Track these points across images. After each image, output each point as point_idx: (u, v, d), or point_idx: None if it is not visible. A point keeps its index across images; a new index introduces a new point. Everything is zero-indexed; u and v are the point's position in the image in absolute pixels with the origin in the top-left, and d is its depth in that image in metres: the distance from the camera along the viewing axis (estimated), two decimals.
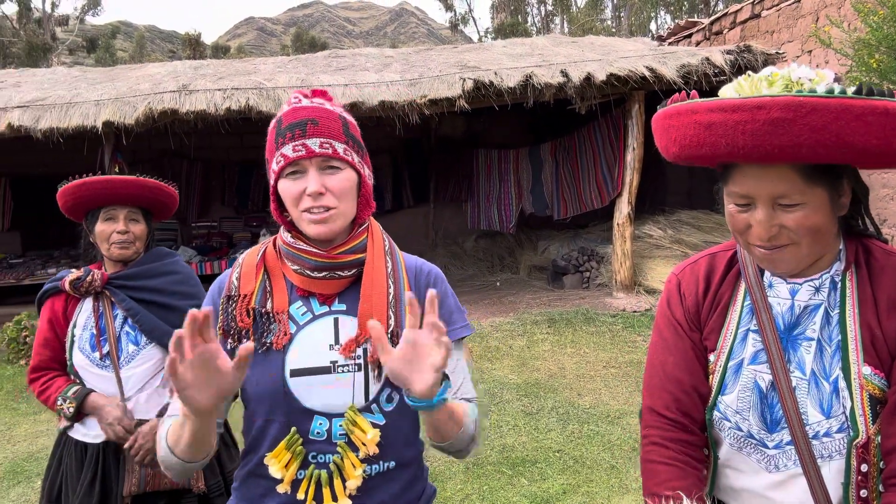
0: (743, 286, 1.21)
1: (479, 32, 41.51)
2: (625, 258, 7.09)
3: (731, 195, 1.10)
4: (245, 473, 1.31)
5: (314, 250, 1.26)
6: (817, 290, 1.14)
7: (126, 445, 2.01)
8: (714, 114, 0.98)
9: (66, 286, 2.09)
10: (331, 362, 1.25)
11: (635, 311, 6.59)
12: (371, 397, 1.25)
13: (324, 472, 1.24)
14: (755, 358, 1.16)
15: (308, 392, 1.24)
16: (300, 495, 1.23)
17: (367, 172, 1.31)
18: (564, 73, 6.76)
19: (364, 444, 1.22)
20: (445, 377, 1.15)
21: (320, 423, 1.24)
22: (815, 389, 1.11)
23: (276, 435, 1.25)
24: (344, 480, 1.23)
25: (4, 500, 3.76)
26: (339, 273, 1.27)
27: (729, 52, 6.94)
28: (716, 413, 1.19)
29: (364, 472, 1.23)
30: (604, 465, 3.73)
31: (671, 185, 9.62)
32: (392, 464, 1.28)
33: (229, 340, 1.27)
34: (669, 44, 10.10)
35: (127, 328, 2.09)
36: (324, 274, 1.27)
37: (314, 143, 1.22)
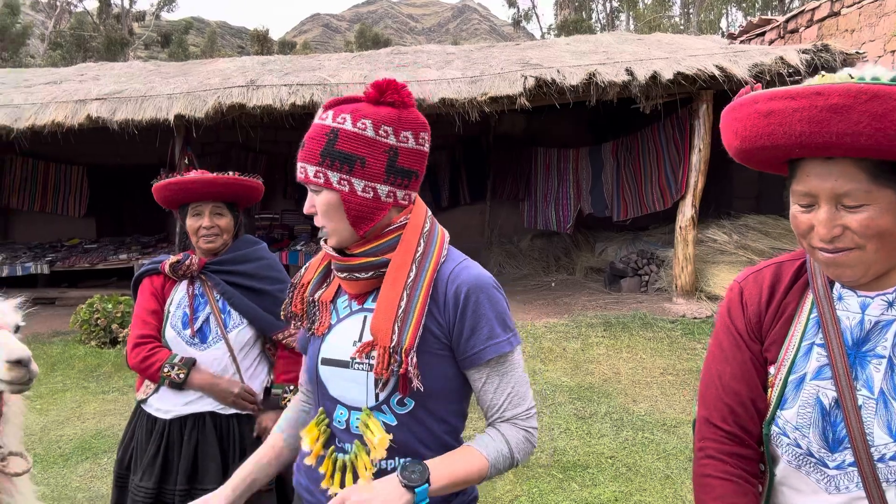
0: (810, 297, 1.15)
1: (541, 29, 41.09)
2: (686, 262, 6.89)
3: (795, 194, 1.06)
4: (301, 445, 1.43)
5: (333, 253, 1.34)
6: (890, 304, 1.07)
7: (255, 435, 2.20)
8: (773, 102, 0.98)
9: (166, 268, 2.26)
10: (350, 357, 1.31)
11: (696, 318, 6.40)
12: (381, 399, 1.29)
13: (341, 458, 1.31)
14: (819, 373, 1.10)
15: (332, 381, 1.34)
16: (321, 469, 1.33)
17: (356, 187, 1.27)
18: (629, 72, 6.61)
19: (374, 447, 1.25)
20: (420, 483, 1.19)
21: (341, 413, 1.33)
22: (884, 410, 1.04)
23: (314, 412, 1.39)
24: (356, 478, 1.27)
25: (72, 475, 3.96)
26: (356, 275, 1.31)
27: (805, 52, 6.64)
28: (774, 428, 1.14)
29: (377, 465, 1.28)
30: (658, 475, 3.64)
31: (738, 188, 9.28)
32: (406, 461, 1.28)
33: (294, 322, 1.42)
34: (741, 42, 9.75)
35: (219, 310, 2.24)
36: (345, 275, 1.33)
37: (299, 167, 1.30)
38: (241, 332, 2.24)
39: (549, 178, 9.45)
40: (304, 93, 6.72)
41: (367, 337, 1.29)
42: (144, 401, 2.26)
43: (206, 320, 2.24)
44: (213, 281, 2.25)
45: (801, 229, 1.07)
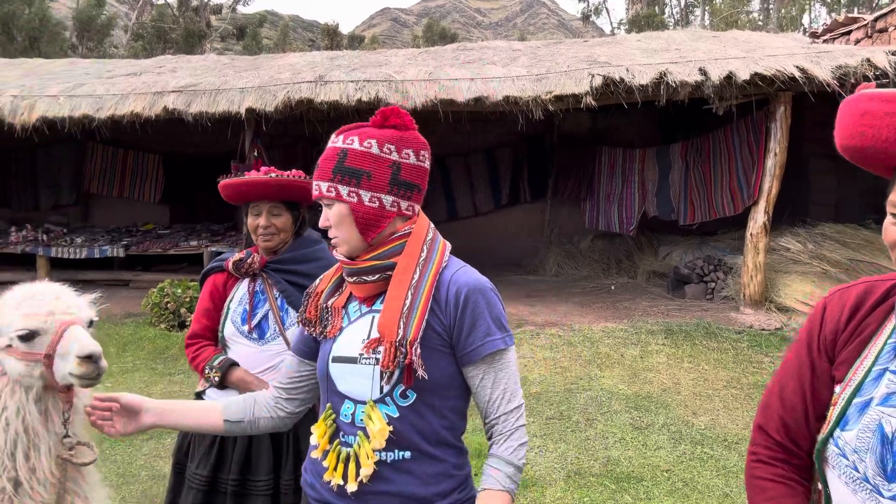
0: (893, 322, 1.08)
1: (611, 24, 40.24)
2: (756, 271, 6.61)
3: (890, 205, 1.02)
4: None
5: (343, 258, 1.48)
6: None
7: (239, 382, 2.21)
8: (871, 102, 0.97)
9: (230, 266, 2.33)
10: (358, 354, 1.43)
11: (764, 329, 6.13)
12: (385, 391, 1.40)
13: (344, 451, 1.42)
14: (886, 399, 1.05)
15: (341, 377, 1.45)
16: (325, 463, 1.44)
17: (364, 197, 1.43)
18: (703, 71, 6.38)
19: (374, 436, 1.36)
20: None
21: (348, 407, 1.44)
22: None
23: (322, 409, 1.49)
24: (358, 466, 1.38)
25: (138, 454, 4.15)
26: (364, 278, 1.45)
27: (894, 54, 6.24)
28: (833, 448, 1.10)
29: (378, 456, 1.38)
30: (716, 493, 3.51)
31: (816, 195, 8.84)
32: (407, 454, 1.40)
33: (306, 328, 1.54)
34: (824, 41, 9.25)
35: (277, 308, 2.30)
36: (354, 279, 1.47)
37: (314, 186, 1.47)
38: (292, 332, 2.27)
39: (613, 179, 9.25)
40: (370, 89, 6.80)
41: (375, 334, 1.41)
42: (202, 393, 2.35)
43: (265, 317, 2.29)
44: (273, 279, 2.30)
45: (890, 240, 1.04)
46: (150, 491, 3.65)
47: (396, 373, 1.38)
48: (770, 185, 6.59)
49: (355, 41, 39.23)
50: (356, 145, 1.43)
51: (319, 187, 1.44)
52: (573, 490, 3.55)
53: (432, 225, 1.53)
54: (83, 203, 10.62)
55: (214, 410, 1.60)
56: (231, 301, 2.33)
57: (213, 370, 2.24)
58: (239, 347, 2.29)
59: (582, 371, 5.32)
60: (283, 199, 2.29)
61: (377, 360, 1.39)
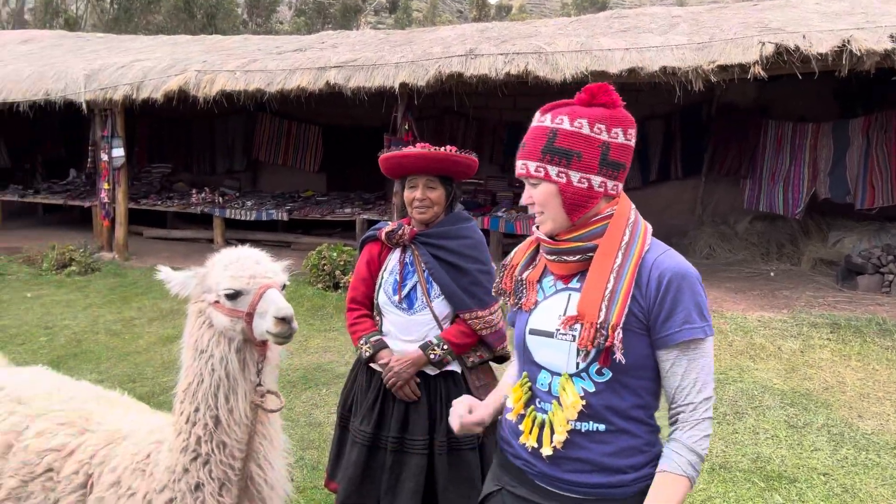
0: None
1: None
2: None
3: None
4: (504, 403, 1.66)
5: (543, 237, 1.53)
6: None
7: (381, 366, 2.37)
8: None
9: (382, 236, 2.46)
10: (555, 329, 1.48)
11: None
12: (580, 367, 1.45)
13: (539, 416, 1.50)
14: None
15: (537, 349, 1.52)
16: (521, 427, 1.52)
17: (573, 178, 1.45)
18: (894, 39, 5.66)
19: (567, 407, 1.43)
20: None
21: (544, 377, 1.51)
22: None
23: (518, 376, 1.59)
24: (553, 432, 1.46)
25: (297, 401, 4.55)
26: (565, 258, 1.49)
27: None
28: None
29: (572, 425, 1.44)
30: (880, 503, 3.23)
31: None
32: (601, 427, 1.45)
33: (500, 298, 1.66)
34: None
35: (424, 280, 2.40)
36: (553, 257, 1.51)
37: (518, 165, 1.51)
38: (442, 301, 2.39)
39: (779, 155, 8.50)
40: (518, 62, 6.76)
41: (572, 311, 1.46)
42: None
43: (414, 288, 2.40)
44: (420, 251, 2.39)
45: None
46: (307, 436, 4.01)
47: (593, 352, 1.42)
48: None
49: (503, 10, 38.88)
50: (566, 125, 1.44)
51: (527, 167, 1.47)
52: (717, 483, 3.42)
53: (633, 206, 1.53)
54: (252, 170, 11.62)
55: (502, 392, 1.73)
56: (384, 270, 2.46)
57: (368, 345, 2.40)
58: (391, 315, 2.43)
59: (732, 361, 5.05)
60: (439, 174, 2.35)
61: (573, 336, 1.44)
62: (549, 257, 1.52)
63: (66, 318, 6.37)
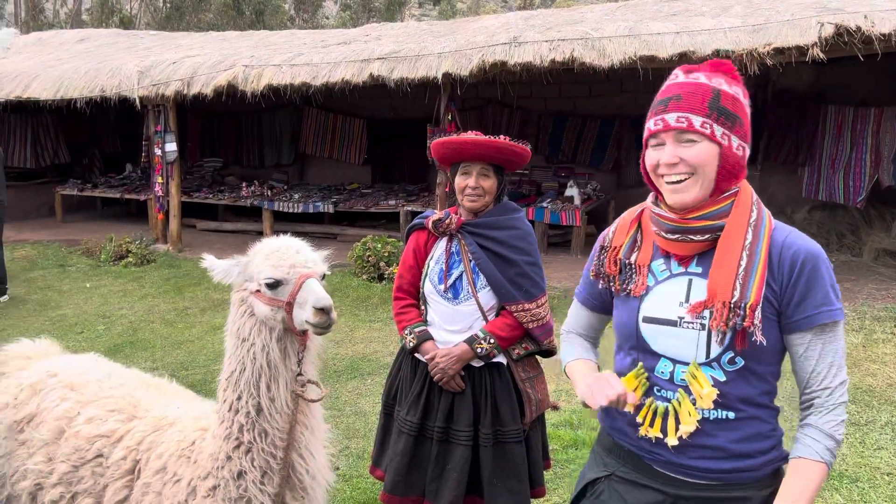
0: None
1: None
2: None
3: None
4: None
5: (667, 214, 1.41)
6: None
7: (427, 360, 2.36)
8: None
9: (429, 225, 2.43)
10: (678, 317, 1.41)
11: None
12: (712, 356, 1.38)
13: (661, 406, 1.43)
14: None
15: (655, 338, 1.44)
16: (639, 419, 1.45)
17: (734, 143, 1.37)
18: None
19: (701, 398, 1.36)
20: None
21: (665, 366, 1.44)
22: None
23: (629, 366, 1.49)
24: (678, 423, 1.39)
25: (343, 390, 4.59)
26: (691, 237, 1.39)
27: None
28: None
29: (700, 413, 1.39)
30: None
31: None
32: (731, 415, 1.39)
33: (600, 281, 1.56)
34: None
35: (470, 270, 2.37)
36: (676, 236, 1.41)
37: (671, 118, 1.36)
38: (488, 292, 2.35)
39: (839, 142, 8.12)
40: (564, 48, 6.63)
41: (696, 298, 1.39)
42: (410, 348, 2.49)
43: (459, 278, 2.37)
44: (467, 241, 2.36)
45: None
46: (353, 425, 4.04)
47: (728, 337, 1.36)
48: None
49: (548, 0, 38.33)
50: (726, 87, 1.37)
51: (690, 120, 1.35)
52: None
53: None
54: (299, 163, 11.79)
55: (588, 365, 1.64)
56: (431, 259, 2.44)
57: (412, 335, 2.40)
58: (436, 305, 2.41)
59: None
60: (493, 162, 2.31)
61: (702, 325, 1.38)
62: (670, 237, 1.41)
63: (122, 307, 6.59)
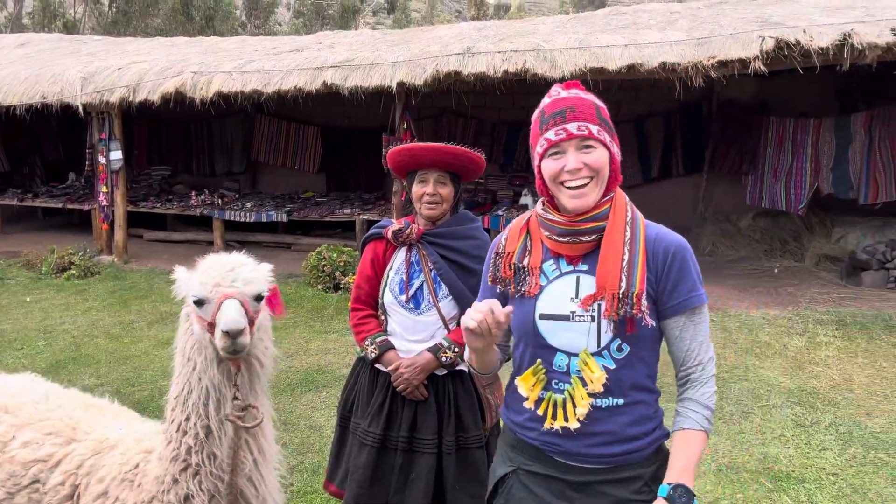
0: None
1: None
2: None
3: None
4: (511, 391, 1.66)
5: (558, 219, 1.54)
6: None
7: (391, 371, 2.34)
8: None
9: (389, 235, 2.40)
10: (570, 312, 1.53)
11: None
12: (602, 345, 1.50)
13: (559, 397, 1.53)
14: None
15: (551, 333, 1.54)
16: (540, 412, 1.55)
17: (615, 150, 1.53)
18: (895, 31, 5.60)
19: (591, 382, 1.49)
20: (692, 496, 1.44)
21: (561, 359, 1.54)
22: None
23: (528, 362, 1.58)
24: (574, 405, 1.51)
25: (297, 403, 4.49)
26: (580, 238, 1.52)
27: None
28: None
29: (592, 403, 1.50)
30: (891, 503, 3.17)
31: None
32: (620, 401, 1.52)
33: (497, 286, 1.66)
34: None
35: (431, 280, 2.36)
36: (567, 239, 1.53)
37: (573, 127, 1.47)
38: (450, 302, 2.35)
39: (781, 151, 8.44)
40: (516, 59, 6.71)
41: (585, 292, 1.51)
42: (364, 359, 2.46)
43: (420, 287, 2.35)
44: (427, 251, 2.35)
45: None
46: (308, 440, 3.96)
47: (617, 327, 1.48)
48: None
49: (501, 10, 38.83)
50: (599, 102, 1.54)
51: (589, 128, 1.48)
52: (725, 484, 3.36)
53: None
54: (251, 171, 11.57)
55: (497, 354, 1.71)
56: (390, 269, 2.41)
57: (374, 346, 2.37)
58: (397, 315, 2.39)
59: (738, 360, 4.99)
60: (450, 170, 2.31)
61: (592, 316, 1.50)
62: (561, 239, 1.54)
63: (64, 322, 6.32)
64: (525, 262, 1.59)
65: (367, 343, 2.38)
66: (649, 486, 1.53)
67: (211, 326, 1.67)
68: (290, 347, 5.53)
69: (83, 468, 1.76)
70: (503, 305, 1.61)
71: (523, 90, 8.68)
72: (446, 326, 2.35)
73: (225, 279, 1.72)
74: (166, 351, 5.54)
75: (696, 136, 9.34)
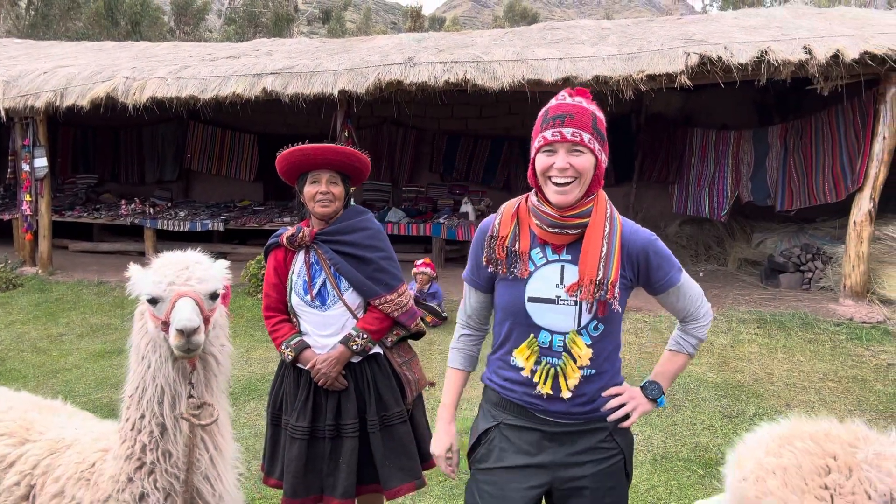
0: None
1: (703, 2, 38.34)
2: (859, 261, 6.27)
3: None
4: (496, 359, 1.86)
5: (549, 211, 1.72)
6: None
7: (309, 368, 2.44)
8: None
9: (284, 241, 2.50)
10: (556, 296, 1.73)
11: (865, 322, 5.84)
12: (582, 324, 1.73)
13: (551, 368, 1.75)
14: None
15: (539, 314, 1.74)
16: (535, 378, 1.76)
17: (603, 158, 1.72)
18: (807, 50, 6.06)
19: (580, 357, 1.72)
20: (661, 393, 1.87)
21: (545, 336, 1.75)
22: None
23: (518, 337, 1.78)
24: (566, 378, 1.73)
25: (240, 412, 4.44)
26: (567, 230, 1.72)
27: None
28: None
29: (582, 370, 1.73)
30: None
31: None
32: (593, 371, 1.75)
33: (489, 266, 1.81)
34: None
35: (332, 276, 2.48)
36: (556, 230, 1.72)
37: (568, 132, 1.66)
38: (352, 293, 2.48)
39: (704, 162, 8.93)
40: (457, 70, 6.85)
41: (570, 280, 1.72)
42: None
43: (323, 285, 2.47)
44: (323, 250, 2.46)
45: None
46: (254, 447, 3.91)
47: (594, 307, 1.70)
48: (877, 170, 6.21)
49: (436, 23, 39.23)
50: (598, 113, 1.71)
51: (582, 135, 1.66)
52: (660, 473, 3.55)
53: None
54: (184, 179, 11.26)
55: (461, 377, 1.98)
56: (292, 273, 2.51)
57: (290, 349, 2.47)
58: (307, 315, 2.50)
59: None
60: (341, 170, 2.44)
61: (575, 301, 1.71)
62: (550, 230, 1.72)
63: None
64: (516, 246, 1.76)
65: (283, 347, 2.48)
66: (612, 436, 1.80)
67: (165, 325, 1.67)
68: (231, 357, 5.43)
69: (38, 468, 1.72)
70: (489, 285, 1.86)
71: (462, 101, 8.86)
72: (354, 316, 2.48)
73: (179, 277, 1.72)
74: (98, 363, 5.37)
75: (625, 146, 9.73)
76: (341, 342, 2.43)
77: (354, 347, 2.42)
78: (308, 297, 2.44)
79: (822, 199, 7.27)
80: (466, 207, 8.80)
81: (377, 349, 2.52)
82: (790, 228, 8.11)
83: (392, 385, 2.51)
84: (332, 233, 2.46)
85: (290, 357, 2.46)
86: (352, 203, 2.60)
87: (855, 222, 6.29)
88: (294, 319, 2.53)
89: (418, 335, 2.66)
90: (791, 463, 1.14)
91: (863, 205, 6.27)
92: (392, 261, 2.55)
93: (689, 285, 1.83)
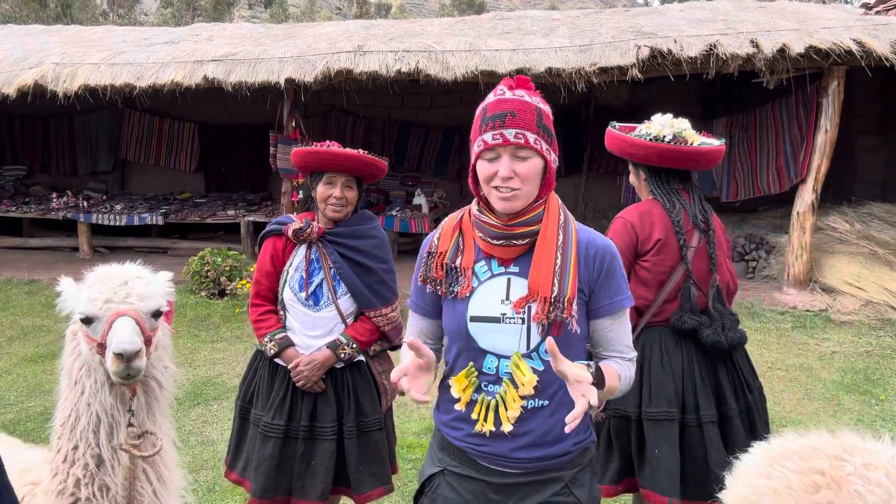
0: None
1: None
2: (802, 251, 6.46)
3: None
4: (443, 387, 1.63)
5: (494, 222, 1.51)
6: None
7: (291, 368, 2.38)
8: None
9: (289, 232, 2.43)
10: (501, 314, 1.51)
11: (808, 311, 6.02)
12: (531, 346, 1.49)
13: (491, 400, 1.52)
14: None
15: (482, 335, 1.52)
16: (474, 415, 1.53)
17: (552, 158, 1.50)
18: (755, 44, 6.16)
19: (523, 384, 1.47)
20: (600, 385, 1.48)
21: (491, 361, 1.53)
22: None
23: (462, 364, 1.56)
24: (507, 409, 1.49)
25: (185, 419, 4.23)
26: (514, 241, 1.51)
27: None
28: None
29: (522, 406, 1.49)
30: None
31: (861, 173, 8.58)
32: (545, 402, 1.51)
33: (427, 286, 1.60)
34: (877, 13, 8.87)
35: (331, 277, 2.42)
36: (501, 242, 1.51)
37: (510, 134, 1.43)
38: (348, 299, 2.43)
39: None
40: (409, 60, 6.69)
41: (516, 295, 1.49)
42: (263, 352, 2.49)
43: (320, 285, 2.41)
44: (328, 249, 2.41)
45: None
46: (200, 456, 3.73)
47: (547, 328, 1.47)
48: (819, 162, 6.40)
49: (383, 9, 38.76)
50: (543, 106, 1.48)
51: (526, 137, 1.43)
52: None
53: None
54: (120, 170, 10.73)
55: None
56: (290, 266, 2.45)
57: (273, 343, 2.40)
58: (296, 312, 2.43)
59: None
60: (358, 174, 2.40)
61: (522, 319, 1.49)
62: (495, 242, 1.51)
63: None
64: (457, 262, 1.56)
65: (266, 339, 2.42)
66: (569, 488, 1.54)
67: (101, 347, 1.51)
68: (174, 359, 5.18)
69: None
70: (435, 308, 1.63)
71: (413, 90, 8.69)
72: (344, 322, 2.44)
73: (117, 294, 1.56)
74: (31, 368, 5.03)
75: (575, 138, 9.79)
76: (329, 347, 2.39)
77: (342, 355, 2.39)
78: (302, 295, 2.39)
79: (766, 191, 7.46)
80: (419, 199, 8.67)
81: (361, 357, 2.49)
82: (733, 219, 8.30)
83: (372, 393, 2.49)
84: (339, 234, 2.42)
85: (272, 351, 2.39)
86: (363, 200, 2.56)
87: (798, 213, 6.47)
88: (281, 312, 2.47)
89: (397, 348, 2.63)
90: (781, 484, 1.12)
91: (805, 196, 6.46)
92: (392, 274, 2.52)
93: (628, 317, 1.59)
